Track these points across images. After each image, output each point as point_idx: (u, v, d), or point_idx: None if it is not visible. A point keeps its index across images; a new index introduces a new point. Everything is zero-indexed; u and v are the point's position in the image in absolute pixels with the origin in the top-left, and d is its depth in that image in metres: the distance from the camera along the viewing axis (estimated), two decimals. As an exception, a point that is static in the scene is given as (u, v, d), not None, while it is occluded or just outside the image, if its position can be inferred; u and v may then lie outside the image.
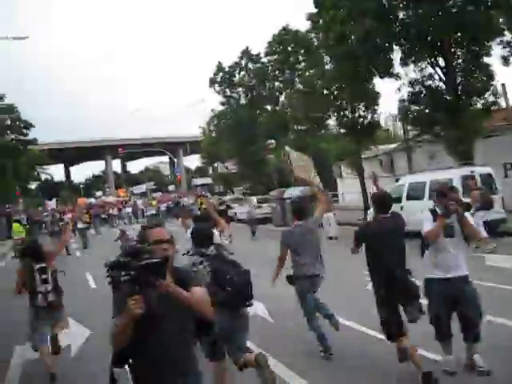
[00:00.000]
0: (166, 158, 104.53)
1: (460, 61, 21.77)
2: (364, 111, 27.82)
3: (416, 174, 20.21)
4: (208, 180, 61.97)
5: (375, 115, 28.16)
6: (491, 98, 21.76)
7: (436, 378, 5.55)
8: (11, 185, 39.67)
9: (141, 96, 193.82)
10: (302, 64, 35.07)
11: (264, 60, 40.16)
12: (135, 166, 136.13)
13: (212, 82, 43.74)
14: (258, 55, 42.17)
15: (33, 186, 59.59)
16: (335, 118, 28.95)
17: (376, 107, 27.96)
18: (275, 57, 36.80)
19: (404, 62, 21.74)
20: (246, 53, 42.52)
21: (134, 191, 68.91)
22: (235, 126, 42.73)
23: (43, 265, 7.03)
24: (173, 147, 77.83)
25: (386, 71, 21.90)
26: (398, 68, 22.24)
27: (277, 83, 37.45)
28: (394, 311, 5.85)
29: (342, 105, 28.35)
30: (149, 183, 79.08)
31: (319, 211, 7.40)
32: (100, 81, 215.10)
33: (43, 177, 66.56)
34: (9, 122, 38.93)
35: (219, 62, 43.60)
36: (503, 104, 22.48)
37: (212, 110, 65.03)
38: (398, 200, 19.36)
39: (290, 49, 35.15)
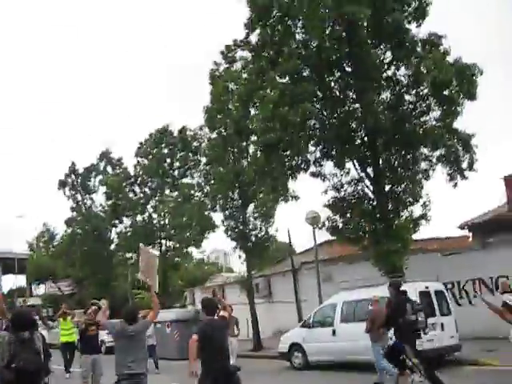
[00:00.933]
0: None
1: (387, 168, 19.18)
2: (262, 222, 24.34)
3: (350, 291, 16.58)
4: (37, 301, 52.99)
5: (270, 228, 24.73)
6: (419, 211, 19.33)
7: None
8: None
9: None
10: (177, 170, 31.28)
11: (130, 163, 35.39)
12: None
13: (62, 184, 37.71)
14: (119, 160, 37.46)
15: None
16: (224, 229, 24.93)
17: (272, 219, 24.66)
18: (145, 161, 32.25)
19: (336, 164, 18.73)
20: (105, 155, 37.59)
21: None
22: (85, 237, 36.79)
23: None
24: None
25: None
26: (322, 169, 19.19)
27: (146, 189, 32.53)
28: None
29: (233, 213, 24.61)
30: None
31: (150, 315, 8.06)
32: None
33: None
34: None
35: (73, 163, 38.08)
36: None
37: (44, 224, 59.05)
38: (326, 324, 16.01)
39: (166, 151, 31.13)
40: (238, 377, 7.26)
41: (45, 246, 59.69)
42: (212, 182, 25.33)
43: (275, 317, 26.43)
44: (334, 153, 19.09)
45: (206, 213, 25.89)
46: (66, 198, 37.64)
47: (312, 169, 18.71)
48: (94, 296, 41.09)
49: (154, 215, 32.28)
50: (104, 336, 26.11)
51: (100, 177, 37.41)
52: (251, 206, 24.57)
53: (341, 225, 19.19)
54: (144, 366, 7.46)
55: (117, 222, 34.10)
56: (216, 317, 7.55)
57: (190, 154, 30.34)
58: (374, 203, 18.96)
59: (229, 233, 24.65)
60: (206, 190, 26.04)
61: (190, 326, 22.76)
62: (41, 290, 62.81)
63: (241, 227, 24.31)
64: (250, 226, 24.51)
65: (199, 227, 26.08)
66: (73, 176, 37.67)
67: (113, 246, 37.48)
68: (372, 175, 18.98)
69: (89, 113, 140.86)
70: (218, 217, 25.92)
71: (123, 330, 7.42)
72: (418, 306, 10.47)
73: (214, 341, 7.13)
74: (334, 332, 15.55)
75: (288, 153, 18.08)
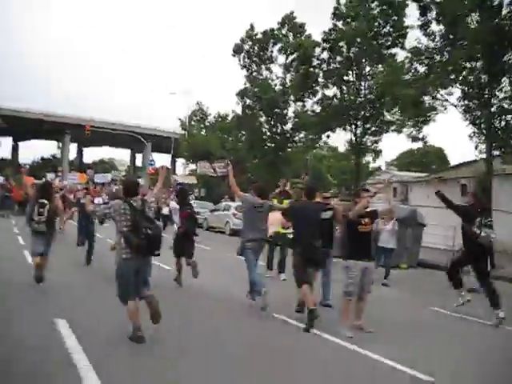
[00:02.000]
0: (120, 153, 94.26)
1: None
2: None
3: None
4: (192, 179, 50.55)
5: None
6: None
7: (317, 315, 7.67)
8: None
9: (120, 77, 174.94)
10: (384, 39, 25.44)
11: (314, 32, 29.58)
12: (87, 156, 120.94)
13: (237, 50, 32.97)
14: (301, 26, 31.92)
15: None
16: (462, 110, 19.28)
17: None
18: (341, 25, 26.28)
19: None
20: (288, 19, 32.07)
21: (96, 180, 56.79)
22: (257, 113, 32.46)
23: (44, 201, 9.33)
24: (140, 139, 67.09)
25: None
26: None
27: (340, 58, 26.72)
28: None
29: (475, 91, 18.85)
30: (116, 172, 67.78)
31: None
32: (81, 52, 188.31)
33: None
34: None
35: (251, 26, 32.95)
36: None
37: (197, 103, 56.33)
38: None
39: (376, 12, 25.22)
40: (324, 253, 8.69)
41: (197, 125, 57.38)
42: (448, 48, 19.42)
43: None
44: None
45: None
46: (240, 67, 32.99)
47: None
48: (258, 179, 37.95)
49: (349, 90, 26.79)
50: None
51: (279, 45, 32.21)
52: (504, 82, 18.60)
53: None
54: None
55: (304, 95, 28.98)
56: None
57: (404, 19, 24.31)
58: None
59: (467, 116, 19.08)
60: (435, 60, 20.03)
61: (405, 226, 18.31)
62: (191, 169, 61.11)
63: (485, 110, 18.59)
64: (495, 109, 18.70)
65: (419, 108, 20.42)
66: (249, 42, 32.75)
67: (289, 126, 32.75)
68: None
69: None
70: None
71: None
72: (489, 221, 9.74)
73: (305, 219, 8.30)
74: None
75: None
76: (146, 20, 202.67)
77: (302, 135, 31.78)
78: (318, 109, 28.44)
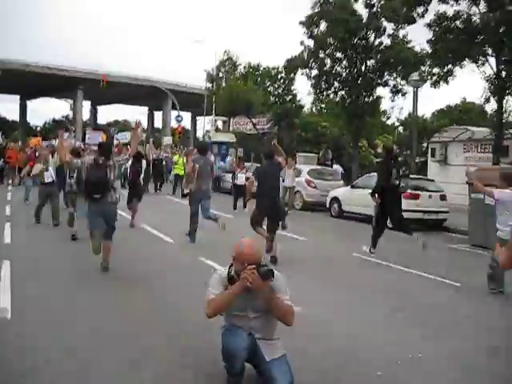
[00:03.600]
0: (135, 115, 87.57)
1: None
2: None
3: None
4: (231, 137, 42.14)
5: None
6: None
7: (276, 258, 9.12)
8: None
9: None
10: None
11: None
12: (100, 116, 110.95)
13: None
14: None
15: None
16: None
17: None
18: None
19: None
20: None
21: (119, 138, 49.10)
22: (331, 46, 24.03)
23: None
24: (162, 95, 59.18)
25: None
26: None
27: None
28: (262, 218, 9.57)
29: None
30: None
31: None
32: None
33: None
34: None
35: None
36: None
37: (225, 52, 48.14)
38: None
39: None
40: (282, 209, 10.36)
41: (227, 77, 49.94)
42: None
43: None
44: None
45: None
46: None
47: None
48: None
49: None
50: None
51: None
52: None
53: None
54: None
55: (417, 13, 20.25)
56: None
57: None
58: None
59: None
60: None
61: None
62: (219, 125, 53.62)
63: None
64: None
65: None
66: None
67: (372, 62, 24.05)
68: None
69: None
70: None
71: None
72: (405, 171, 11.13)
73: (266, 179, 9.52)
74: None
75: None
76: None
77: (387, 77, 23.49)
78: (420, 38, 20.10)
